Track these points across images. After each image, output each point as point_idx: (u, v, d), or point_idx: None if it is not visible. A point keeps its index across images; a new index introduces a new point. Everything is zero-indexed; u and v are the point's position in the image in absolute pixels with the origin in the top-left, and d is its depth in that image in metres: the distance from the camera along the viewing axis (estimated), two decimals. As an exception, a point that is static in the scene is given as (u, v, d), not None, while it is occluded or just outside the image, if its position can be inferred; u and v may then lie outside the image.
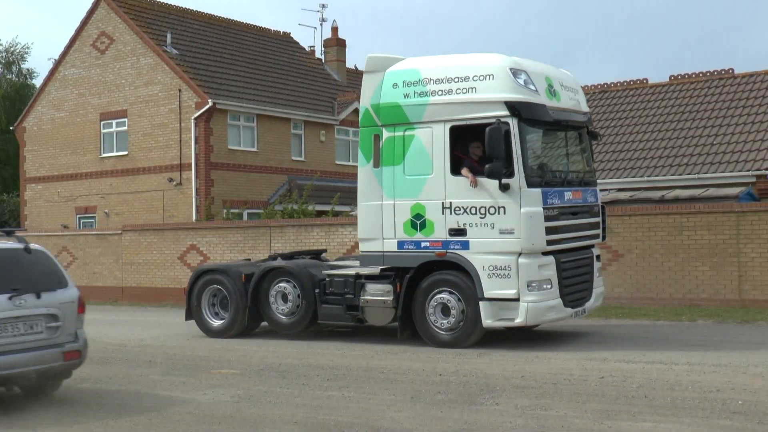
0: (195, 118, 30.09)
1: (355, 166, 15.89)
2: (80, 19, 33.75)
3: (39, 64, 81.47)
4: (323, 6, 42.94)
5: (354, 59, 57.90)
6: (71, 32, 34.11)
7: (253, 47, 37.09)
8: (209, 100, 29.83)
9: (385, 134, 14.34)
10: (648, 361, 12.14)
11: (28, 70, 51.06)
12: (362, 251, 14.97)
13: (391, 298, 14.35)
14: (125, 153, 32.04)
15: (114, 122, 32.55)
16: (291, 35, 40.96)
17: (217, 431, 9.11)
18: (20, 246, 10.55)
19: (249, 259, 19.44)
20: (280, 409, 9.97)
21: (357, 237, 21.83)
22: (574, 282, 14.13)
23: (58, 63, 34.47)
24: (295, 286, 15.71)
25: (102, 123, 32.87)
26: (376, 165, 14.44)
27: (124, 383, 12.00)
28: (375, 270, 14.79)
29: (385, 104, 14.34)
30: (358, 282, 14.83)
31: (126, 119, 32.08)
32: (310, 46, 42.16)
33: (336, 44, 40.72)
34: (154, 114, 31.20)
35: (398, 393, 10.65)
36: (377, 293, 14.57)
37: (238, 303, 16.18)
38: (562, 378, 11.15)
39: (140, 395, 11.09)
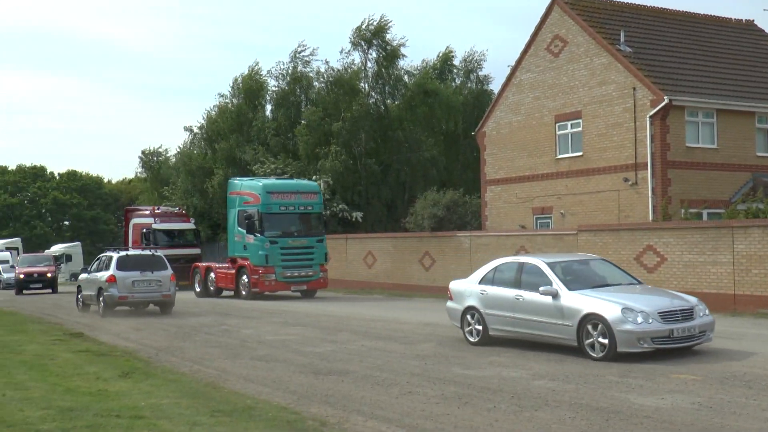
0: (650, 116, 29.37)
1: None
2: (534, 25, 34.69)
3: (494, 70, 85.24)
4: (791, -12, 39.72)
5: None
6: (525, 38, 35.19)
7: (712, 39, 35.40)
8: (665, 97, 28.95)
9: None
10: None
11: (485, 76, 53.60)
12: None
13: None
14: (580, 154, 32.25)
15: (569, 123, 32.93)
16: (754, 22, 38.47)
17: (677, 439, 8.69)
18: (149, 252, 27.67)
19: None
20: (746, 422, 9.26)
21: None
22: None
23: (514, 68, 35.69)
24: None
25: (557, 125, 33.42)
26: None
27: (579, 382, 11.97)
28: None
29: None
30: None
31: (580, 120, 32.28)
32: (777, 33, 39.26)
33: (805, 29, 37.43)
34: (608, 114, 31.02)
35: None
36: None
37: None
38: None
39: (596, 395, 10.97)
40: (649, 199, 29.20)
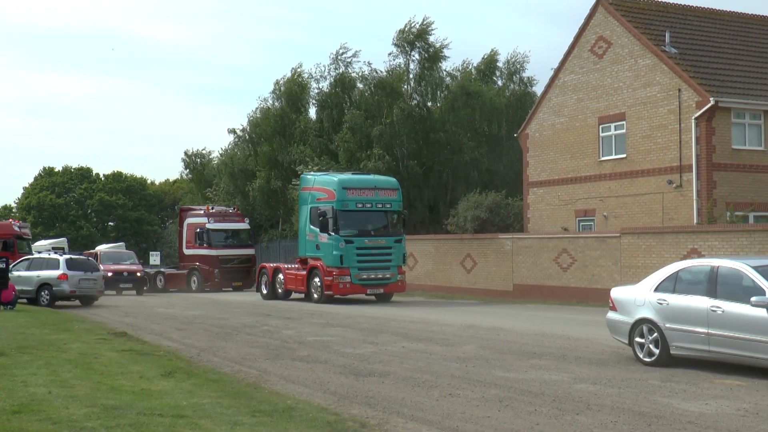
0: (695, 118, 29.02)
1: None
2: (578, 26, 34.44)
3: (538, 72, 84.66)
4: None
5: None
6: (568, 39, 34.96)
7: (760, 39, 34.87)
8: (711, 99, 28.58)
9: None
10: None
11: (528, 78, 53.31)
12: None
13: None
14: (623, 156, 31.95)
15: (612, 125, 32.62)
16: (802, 23, 37.86)
17: (721, 445, 8.56)
18: (85, 257, 33.59)
19: None
20: (793, 428, 9.10)
21: None
22: None
23: (557, 70, 35.45)
24: None
25: (600, 127, 33.14)
26: None
27: (621, 386, 11.86)
28: None
29: None
30: None
31: (624, 122, 31.98)
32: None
33: None
34: (653, 115, 30.70)
35: None
36: None
37: None
38: None
39: (638, 399, 10.86)
40: (694, 201, 28.85)
